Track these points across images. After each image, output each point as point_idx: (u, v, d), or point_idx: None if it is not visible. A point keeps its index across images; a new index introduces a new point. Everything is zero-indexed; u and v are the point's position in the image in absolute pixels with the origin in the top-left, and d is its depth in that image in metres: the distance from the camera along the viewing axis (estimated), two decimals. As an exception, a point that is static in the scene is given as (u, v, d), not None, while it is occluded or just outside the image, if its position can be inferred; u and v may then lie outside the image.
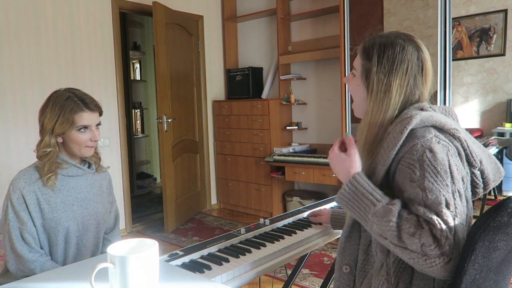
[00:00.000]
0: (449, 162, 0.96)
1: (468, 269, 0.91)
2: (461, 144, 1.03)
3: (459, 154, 1.02)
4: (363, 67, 1.11)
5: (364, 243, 1.10)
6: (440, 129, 1.02)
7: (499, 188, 4.65)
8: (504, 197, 0.92)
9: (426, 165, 0.95)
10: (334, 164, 1.09)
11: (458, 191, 0.94)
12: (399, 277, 1.01)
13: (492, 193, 4.32)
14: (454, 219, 0.90)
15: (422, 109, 1.06)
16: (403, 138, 0.99)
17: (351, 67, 1.18)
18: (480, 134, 4.89)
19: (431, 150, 0.96)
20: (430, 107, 1.08)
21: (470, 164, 1.05)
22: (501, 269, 1.00)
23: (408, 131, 0.99)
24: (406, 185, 0.97)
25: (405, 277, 1.01)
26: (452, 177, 0.94)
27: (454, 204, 0.92)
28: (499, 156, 4.49)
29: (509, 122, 4.57)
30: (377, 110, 1.07)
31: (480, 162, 1.05)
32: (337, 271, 1.15)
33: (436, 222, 0.89)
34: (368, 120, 1.09)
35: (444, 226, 0.89)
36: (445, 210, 0.91)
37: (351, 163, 1.04)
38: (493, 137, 4.32)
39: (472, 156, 1.03)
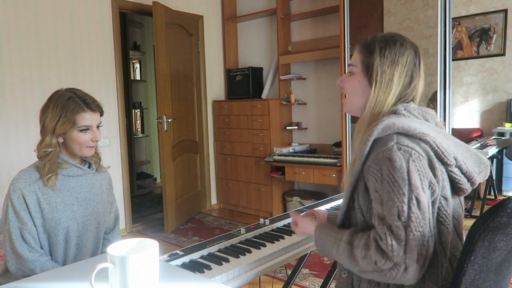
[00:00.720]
0: (408, 169, 0.97)
1: (468, 270, 0.91)
2: (430, 146, 1.02)
3: (429, 156, 1.02)
4: (363, 62, 1.15)
5: None
6: (405, 134, 1.03)
7: (499, 188, 4.66)
8: (504, 197, 0.92)
9: (386, 175, 0.99)
10: (303, 233, 1.29)
11: (416, 197, 0.95)
12: None
13: (492, 193, 4.32)
14: (405, 228, 0.93)
15: (395, 113, 1.10)
16: (367, 149, 1.04)
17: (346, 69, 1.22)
18: (480, 134, 4.89)
19: (390, 159, 0.99)
20: (405, 109, 1.11)
21: (444, 163, 1.04)
22: (501, 270, 1.00)
23: (371, 142, 1.04)
24: (373, 195, 1.03)
25: None
26: (409, 184, 0.96)
27: (408, 212, 0.94)
28: (499, 156, 4.49)
29: (509, 122, 4.57)
30: (382, 100, 1.12)
31: (455, 159, 1.05)
32: (337, 278, 1.19)
33: (384, 236, 0.95)
34: (371, 111, 1.13)
35: (389, 239, 0.94)
36: (396, 222, 0.95)
37: (308, 227, 1.25)
38: (492, 138, 4.32)
39: (444, 156, 1.03)
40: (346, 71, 3.92)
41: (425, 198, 0.96)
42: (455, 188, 1.08)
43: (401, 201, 0.95)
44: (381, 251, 0.94)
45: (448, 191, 1.04)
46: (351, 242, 1.02)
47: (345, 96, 1.23)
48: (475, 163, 1.11)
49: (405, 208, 0.95)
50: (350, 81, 1.19)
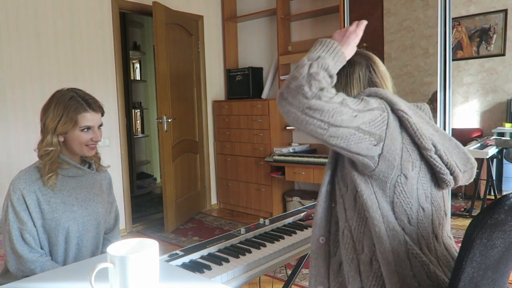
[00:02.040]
0: (373, 107, 1.04)
1: (466, 267, 0.91)
2: (405, 125, 1.07)
3: (402, 137, 1.07)
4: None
5: (335, 215, 1.18)
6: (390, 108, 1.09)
7: (499, 188, 4.66)
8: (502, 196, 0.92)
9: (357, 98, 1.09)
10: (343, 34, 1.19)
11: (362, 109, 1.02)
12: (363, 242, 1.10)
13: (492, 193, 4.33)
14: (338, 104, 0.99)
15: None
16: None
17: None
18: (480, 134, 4.89)
19: (369, 99, 1.07)
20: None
21: (420, 147, 1.08)
22: (499, 267, 1.00)
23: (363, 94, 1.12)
24: None
25: (368, 241, 1.09)
26: (369, 102, 1.04)
27: (351, 102, 1.01)
28: (499, 156, 4.49)
29: (509, 122, 4.57)
30: None
31: (435, 146, 1.08)
32: (313, 243, 1.20)
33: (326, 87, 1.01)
34: None
35: (325, 90, 0.99)
36: (339, 96, 1.01)
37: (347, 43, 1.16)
38: (492, 138, 4.32)
39: (419, 138, 1.07)
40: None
41: (354, 122, 1.00)
42: (438, 179, 1.11)
43: (351, 102, 1.02)
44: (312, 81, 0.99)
45: (410, 172, 1.07)
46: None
47: None
48: (461, 160, 1.14)
49: (349, 101, 1.01)
50: None
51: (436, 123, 3.08)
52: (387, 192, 1.08)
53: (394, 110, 1.08)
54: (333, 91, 1.01)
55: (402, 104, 1.10)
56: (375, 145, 1.03)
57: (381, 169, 1.06)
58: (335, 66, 1.07)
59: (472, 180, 1.20)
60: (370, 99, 1.07)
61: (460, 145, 1.18)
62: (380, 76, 1.23)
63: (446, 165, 1.10)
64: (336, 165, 1.20)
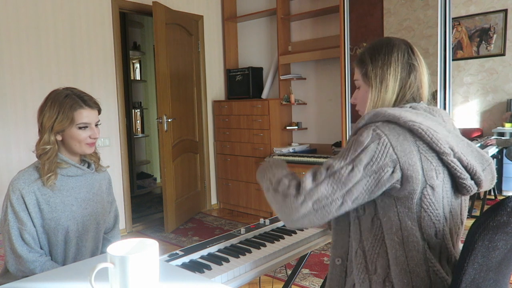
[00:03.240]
0: (366, 146, 1.02)
1: (468, 269, 0.91)
2: (420, 135, 1.03)
3: (418, 147, 1.03)
4: (361, 73, 1.23)
5: (351, 236, 1.15)
6: (395, 123, 1.06)
7: (499, 188, 4.66)
8: (504, 197, 0.92)
9: (349, 142, 1.08)
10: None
11: (352, 168, 1.01)
12: (376, 263, 1.07)
13: (492, 193, 4.32)
14: (325, 178, 1.02)
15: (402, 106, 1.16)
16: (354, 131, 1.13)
17: (352, 82, 1.28)
18: (480, 134, 4.89)
19: (361, 134, 1.05)
20: (410, 107, 1.14)
21: (438, 152, 1.03)
22: (501, 269, 1.00)
23: (360, 125, 1.11)
24: None
25: (382, 262, 1.07)
26: (358, 156, 1.02)
27: (337, 171, 1.02)
28: (499, 156, 4.49)
29: (509, 122, 4.56)
30: (377, 98, 1.18)
31: (452, 149, 1.04)
32: (330, 265, 1.20)
33: (307, 174, 1.06)
34: (364, 109, 1.22)
35: (308, 177, 1.05)
36: (322, 169, 1.05)
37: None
38: (492, 137, 4.31)
39: (437, 144, 1.02)
40: (348, 71, 3.92)
41: (359, 173, 1.01)
42: (458, 185, 1.07)
43: (340, 161, 1.03)
44: (298, 183, 1.05)
45: (436, 181, 1.03)
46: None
47: (357, 110, 1.29)
48: (477, 159, 1.09)
49: (338, 166, 1.02)
50: (358, 93, 1.26)
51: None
52: (413, 208, 1.03)
53: (401, 123, 1.04)
54: (311, 179, 1.04)
55: (408, 114, 1.06)
56: (393, 172, 1.01)
57: (406, 187, 1.02)
58: (282, 171, 1.15)
59: (495, 180, 1.14)
60: (359, 137, 1.05)
61: (472, 143, 1.14)
62: (418, 60, 1.20)
63: (466, 168, 1.05)
64: None
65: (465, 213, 1.15)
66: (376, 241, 1.08)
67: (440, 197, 1.05)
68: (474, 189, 1.08)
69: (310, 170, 1.07)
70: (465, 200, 1.14)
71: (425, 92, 1.20)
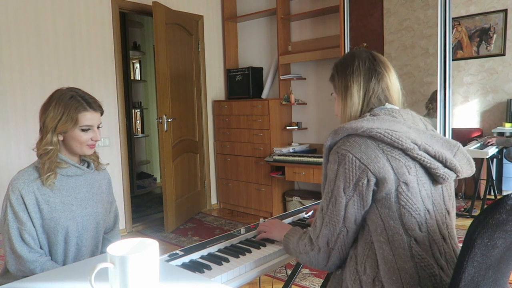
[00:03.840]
0: (337, 172, 1.12)
1: (467, 267, 0.91)
2: (379, 138, 1.09)
3: (382, 150, 1.09)
4: (333, 86, 1.32)
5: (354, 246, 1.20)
6: (356, 134, 1.12)
7: (498, 188, 4.66)
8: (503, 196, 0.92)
9: (325, 175, 1.19)
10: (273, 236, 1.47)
11: (336, 197, 1.13)
12: (365, 264, 1.13)
13: (492, 193, 4.32)
14: (321, 220, 1.17)
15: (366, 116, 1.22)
16: (325, 157, 1.21)
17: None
18: (480, 134, 4.89)
19: (330, 162, 1.16)
20: (370, 114, 1.20)
21: (403, 149, 1.08)
22: (500, 267, 1.00)
23: (326, 150, 1.20)
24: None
25: (371, 263, 1.11)
26: (334, 185, 1.12)
27: (326, 208, 1.15)
28: (499, 156, 4.49)
29: (509, 122, 4.57)
30: (344, 108, 1.27)
31: (415, 143, 1.08)
32: (332, 275, 1.26)
33: (312, 225, 1.21)
34: (340, 119, 1.30)
35: (312, 228, 1.21)
36: (318, 214, 1.19)
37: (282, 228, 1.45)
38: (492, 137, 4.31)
39: (398, 142, 1.07)
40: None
41: (343, 199, 1.11)
42: (433, 175, 1.11)
43: (326, 199, 1.16)
44: (309, 238, 1.21)
45: (409, 176, 1.08)
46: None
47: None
48: (444, 146, 1.14)
49: (325, 206, 1.16)
50: (336, 106, 1.35)
51: (436, 123, 3.10)
52: (393, 207, 1.08)
53: (360, 133, 1.10)
54: (313, 229, 1.20)
55: (364, 123, 1.12)
56: (368, 180, 1.08)
57: (383, 189, 1.08)
58: (295, 235, 1.30)
59: (472, 163, 1.19)
60: (330, 166, 1.14)
61: (436, 133, 1.20)
62: (382, 65, 1.25)
63: (435, 157, 1.09)
64: None
65: (450, 202, 1.19)
66: (365, 244, 1.13)
67: (416, 191, 1.09)
68: (451, 176, 1.12)
69: (314, 217, 1.23)
70: (447, 189, 1.18)
71: (394, 94, 1.25)
